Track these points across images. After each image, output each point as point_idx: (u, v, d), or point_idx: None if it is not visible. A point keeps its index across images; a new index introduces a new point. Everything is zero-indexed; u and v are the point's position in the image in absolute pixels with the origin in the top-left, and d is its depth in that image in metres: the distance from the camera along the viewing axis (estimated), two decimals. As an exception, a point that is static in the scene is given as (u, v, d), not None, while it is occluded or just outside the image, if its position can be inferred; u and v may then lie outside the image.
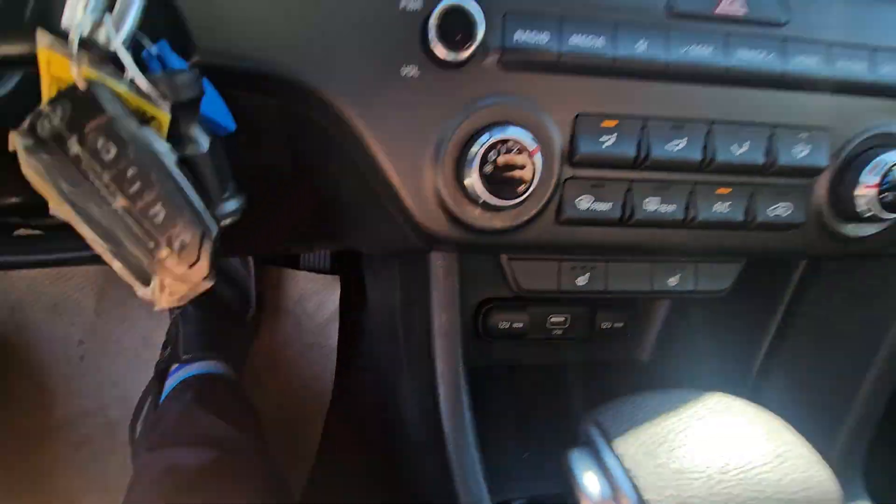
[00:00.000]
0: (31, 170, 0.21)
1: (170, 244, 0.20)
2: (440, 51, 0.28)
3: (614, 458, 0.23)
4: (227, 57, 0.28)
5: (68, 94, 0.20)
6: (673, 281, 0.46)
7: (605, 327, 0.59)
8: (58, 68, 0.20)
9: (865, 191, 0.35)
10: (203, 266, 0.22)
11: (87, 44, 0.19)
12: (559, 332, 0.58)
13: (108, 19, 0.19)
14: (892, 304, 0.41)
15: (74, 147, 0.20)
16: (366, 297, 0.87)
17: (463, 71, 0.30)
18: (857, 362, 0.43)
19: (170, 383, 0.79)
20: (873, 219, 0.36)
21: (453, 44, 0.28)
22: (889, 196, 0.35)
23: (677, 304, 0.59)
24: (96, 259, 0.25)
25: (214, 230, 0.22)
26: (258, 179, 0.39)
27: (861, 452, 0.44)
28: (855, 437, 0.43)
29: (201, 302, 0.90)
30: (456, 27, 0.28)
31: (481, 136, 0.30)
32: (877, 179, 0.35)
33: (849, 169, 0.36)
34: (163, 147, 0.20)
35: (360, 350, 0.99)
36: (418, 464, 0.50)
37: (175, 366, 0.82)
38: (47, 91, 0.20)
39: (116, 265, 0.23)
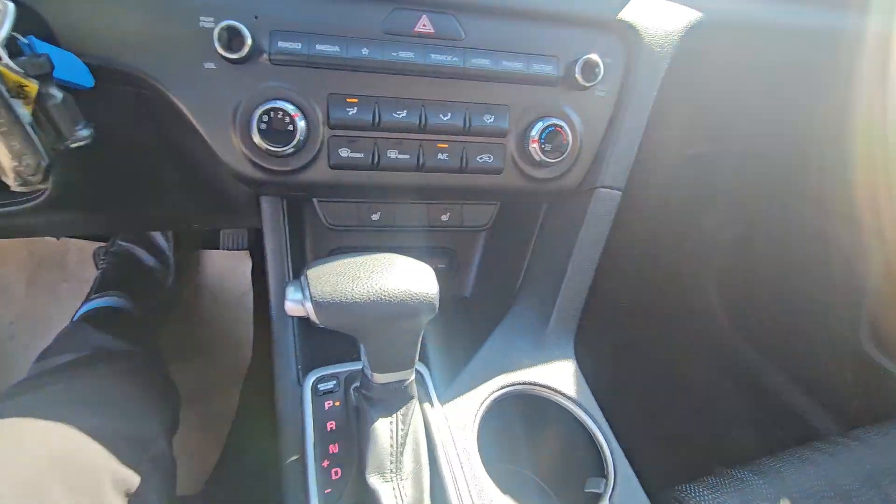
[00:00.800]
0: None
1: (19, 164, 0.37)
2: (223, 52, 0.45)
3: (305, 279, 0.40)
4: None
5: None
6: (444, 217, 0.64)
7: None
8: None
9: (534, 144, 0.55)
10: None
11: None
12: None
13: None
14: (577, 223, 0.61)
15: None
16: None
17: (246, 66, 0.47)
18: (561, 265, 0.62)
19: (75, 315, 0.92)
20: (543, 163, 0.55)
21: (231, 48, 0.45)
22: (547, 147, 0.54)
23: (485, 254, 0.78)
24: None
25: (47, 162, 0.39)
26: (135, 153, 0.55)
27: (569, 323, 0.63)
28: (563, 311, 0.63)
29: (118, 259, 1.04)
30: (233, 37, 0.45)
31: (260, 106, 0.47)
32: (537, 136, 0.54)
33: (525, 132, 0.55)
34: (21, 110, 0.36)
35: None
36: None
37: (84, 303, 0.95)
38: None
39: None
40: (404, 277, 0.41)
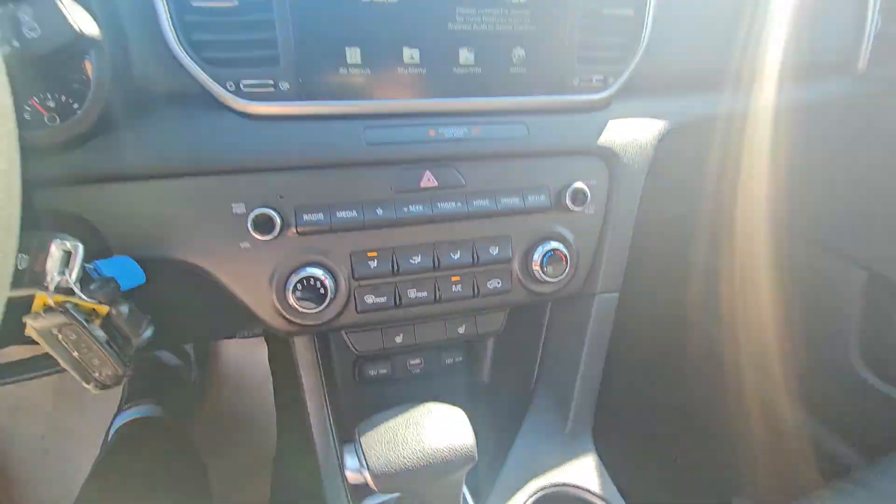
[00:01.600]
0: (35, 337, 0.42)
1: (99, 375, 0.42)
2: (257, 235, 0.51)
3: (360, 447, 0.45)
4: (134, 252, 0.50)
5: (50, 310, 0.41)
6: (461, 329, 0.70)
7: (449, 362, 0.82)
8: (43, 299, 0.41)
9: (536, 267, 0.61)
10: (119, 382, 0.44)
11: (59, 286, 0.40)
12: (417, 370, 0.81)
13: (72, 272, 0.40)
14: (583, 326, 0.67)
15: (56, 332, 0.41)
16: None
17: (277, 241, 0.53)
18: (574, 363, 0.68)
19: (112, 431, 0.97)
20: (545, 281, 0.61)
21: (264, 230, 0.51)
22: (548, 269, 0.60)
23: (498, 345, 0.83)
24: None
25: (123, 370, 0.44)
26: (178, 300, 0.61)
27: (586, 420, 0.68)
28: (579, 409, 0.68)
29: (144, 364, 1.09)
30: (264, 221, 0.51)
31: (294, 273, 0.53)
32: (538, 260, 0.60)
33: (527, 255, 0.61)
34: (98, 332, 0.42)
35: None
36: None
37: (117, 415, 1.00)
38: (37, 306, 0.41)
39: (74, 374, 0.44)
40: (445, 433, 0.46)
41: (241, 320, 0.66)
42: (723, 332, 1.26)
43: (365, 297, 0.57)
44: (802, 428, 1.10)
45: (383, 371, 0.78)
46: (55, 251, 0.40)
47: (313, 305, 0.53)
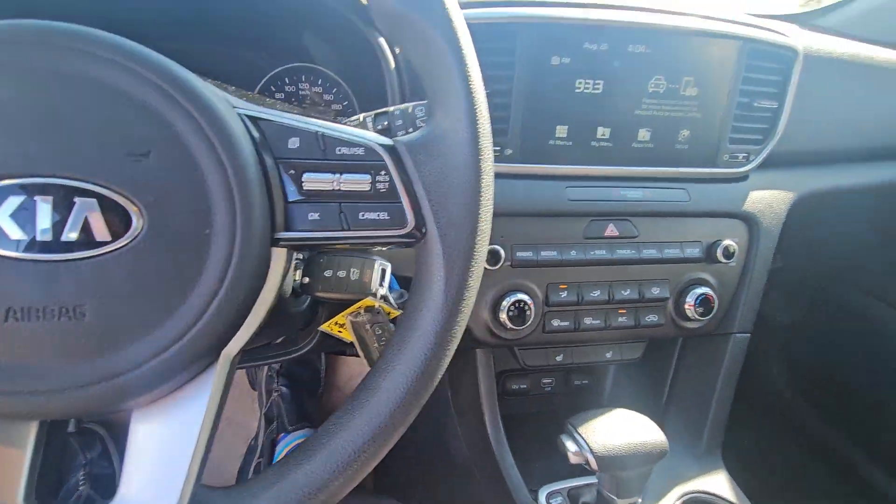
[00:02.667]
0: (349, 330, 0.56)
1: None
2: (486, 266, 0.65)
3: (579, 434, 0.57)
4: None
5: (368, 310, 0.55)
6: (609, 354, 0.82)
7: (577, 384, 0.94)
8: (363, 302, 0.55)
9: (689, 308, 0.73)
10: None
11: (375, 294, 0.55)
12: (549, 388, 0.93)
13: (385, 285, 0.55)
14: (719, 361, 0.78)
15: (368, 327, 0.55)
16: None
17: (496, 271, 0.67)
18: (709, 391, 0.79)
19: (280, 448, 1.09)
20: (695, 319, 0.74)
21: (491, 261, 0.65)
22: (700, 309, 0.73)
23: (617, 371, 0.95)
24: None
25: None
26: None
27: (718, 439, 0.79)
28: (712, 429, 0.79)
29: (293, 386, 1.22)
30: (493, 253, 0.65)
31: (505, 297, 0.67)
32: (692, 301, 0.73)
33: (681, 296, 0.74)
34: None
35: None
36: (470, 475, 0.82)
37: (282, 434, 1.12)
38: (357, 307, 0.56)
39: (364, 358, 0.58)
40: (646, 430, 0.58)
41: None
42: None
43: (552, 321, 0.71)
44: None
45: (523, 386, 0.91)
46: (377, 268, 0.54)
47: (519, 325, 0.67)
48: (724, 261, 0.73)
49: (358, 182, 0.34)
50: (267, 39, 0.73)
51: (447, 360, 0.37)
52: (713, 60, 0.69)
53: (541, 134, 0.68)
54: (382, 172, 0.35)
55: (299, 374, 1.26)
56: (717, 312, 0.75)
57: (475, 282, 0.37)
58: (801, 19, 1.34)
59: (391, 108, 0.48)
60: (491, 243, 0.66)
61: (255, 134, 0.33)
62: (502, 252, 0.66)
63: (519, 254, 0.68)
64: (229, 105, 0.33)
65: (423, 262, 0.37)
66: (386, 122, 0.51)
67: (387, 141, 0.37)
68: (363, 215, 0.35)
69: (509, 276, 0.68)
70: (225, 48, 0.72)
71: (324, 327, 0.61)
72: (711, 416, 0.79)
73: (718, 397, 0.79)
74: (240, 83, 0.39)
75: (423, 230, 0.36)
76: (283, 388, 1.21)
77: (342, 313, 0.57)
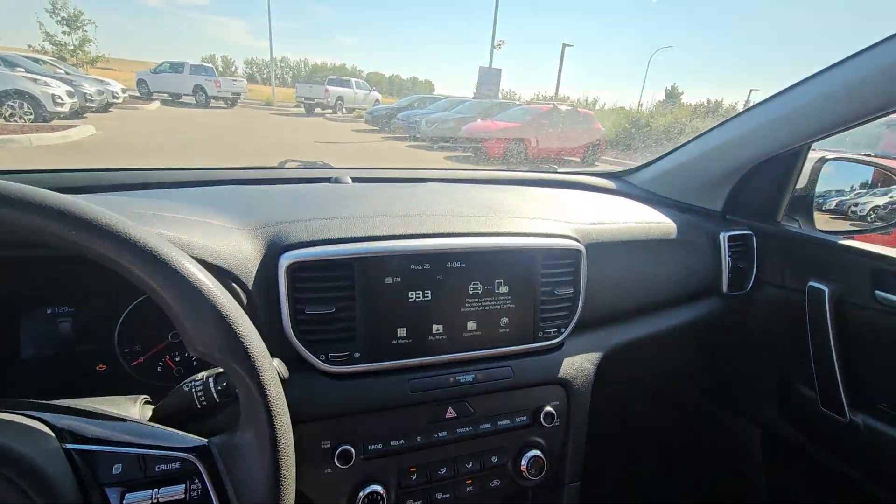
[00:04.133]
0: None
1: None
2: (339, 465, 0.74)
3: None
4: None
5: None
6: None
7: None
8: None
9: (524, 470, 0.86)
10: None
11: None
12: None
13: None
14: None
15: None
16: None
17: (349, 469, 0.76)
18: None
19: None
20: (529, 479, 0.87)
21: (344, 461, 0.74)
22: (532, 470, 0.86)
23: None
24: None
25: None
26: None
27: None
28: None
29: None
30: (345, 454, 0.75)
31: (360, 489, 0.76)
32: (526, 465, 0.86)
33: (516, 461, 0.87)
34: None
35: None
36: None
37: None
38: None
39: None
40: None
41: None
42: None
43: (406, 502, 0.79)
44: None
45: None
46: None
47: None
48: (547, 424, 0.88)
49: (174, 494, 0.43)
50: None
51: None
52: (517, 266, 0.89)
53: (384, 336, 0.81)
54: (196, 481, 0.44)
55: None
56: (549, 470, 0.89)
57: None
58: (619, 176, 1.70)
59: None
60: (341, 443, 0.75)
61: (84, 469, 0.41)
62: (353, 450, 0.75)
63: (370, 447, 0.77)
64: (57, 447, 0.41)
65: None
66: (225, 383, 0.61)
67: (201, 441, 0.46)
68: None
69: (363, 470, 0.77)
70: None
71: None
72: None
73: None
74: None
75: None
76: None
77: None
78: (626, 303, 1.06)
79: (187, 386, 0.60)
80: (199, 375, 0.61)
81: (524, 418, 0.88)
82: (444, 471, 0.81)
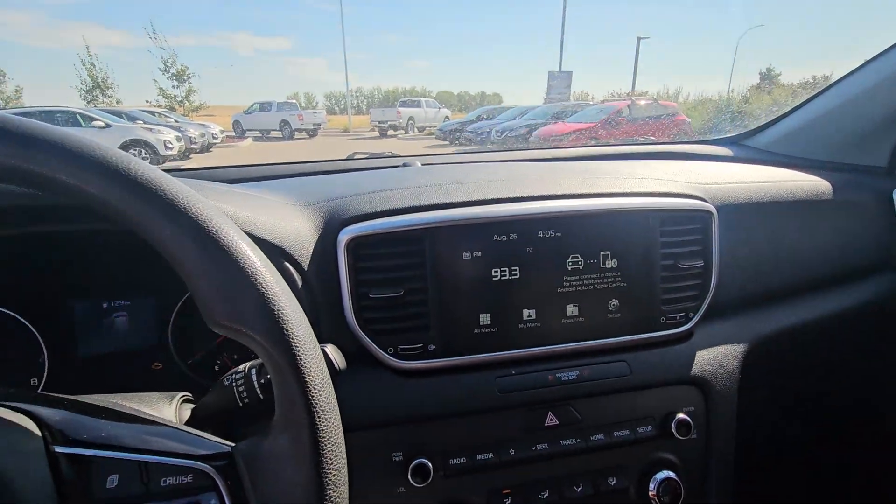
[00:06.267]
0: None
1: None
2: (414, 482, 0.59)
3: None
4: None
5: None
6: None
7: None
8: None
9: (652, 496, 0.65)
10: None
11: None
12: None
13: None
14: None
15: None
16: None
17: (426, 487, 0.61)
18: None
19: None
20: (665, 510, 0.66)
21: (420, 478, 0.60)
22: (666, 498, 0.65)
23: None
24: None
25: None
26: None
27: None
28: None
29: None
30: (421, 468, 0.60)
31: None
32: (655, 489, 0.65)
33: (641, 484, 0.66)
34: None
35: None
36: None
37: None
38: None
39: None
40: None
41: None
42: None
43: (501, 533, 0.63)
44: None
45: None
46: None
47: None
48: (681, 436, 0.67)
49: (183, 518, 0.31)
50: None
51: None
52: (628, 233, 0.70)
53: (463, 325, 0.66)
54: (213, 499, 0.32)
55: None
56: (687, 497, 0.67)
57: None
58: (735, 140, 1.42)
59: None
60: (416, 456, 0.61)
61: (70, 479, 0.30)
62: (430, 465, 0.60)
63: (452, 461, 0.62)
64: (40, 449, 0.31)
65: None
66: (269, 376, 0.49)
67: (223, 448, 0.34)
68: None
69: (444, 489, 0.62)
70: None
71: None
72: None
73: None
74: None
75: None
76: None
77: None
78: (771, 281, 0.82)
79: (227, 380, 0.50)
80: (241, 367, 0.50)
81: (649, 428, 0.68)
82: (546, 494, 0.64)
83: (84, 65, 16.43)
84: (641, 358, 0.70)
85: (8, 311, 0.65)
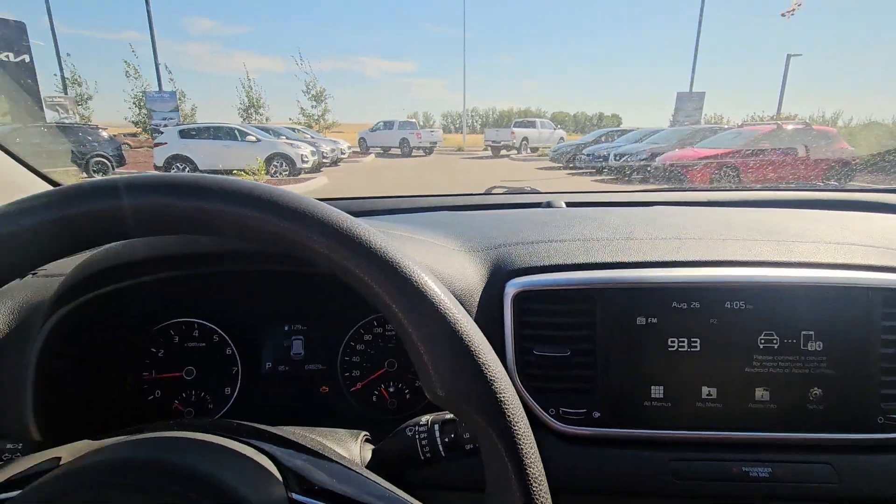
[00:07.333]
0: None
1: None
2: None
3: None
4: None
5: None
6: None
7: None
8: None
9: None
10: None
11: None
12: None
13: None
14: None
15: None
16: None
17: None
18: None
19: None
20: None
21: None
22: None
23: None
24: None
25: None
26: None
27: None
28: None
29: None
30: None
31: None
32: None
33: None
34: None
35: None
36: None
37: None
38: None
39: None
40: None
41: None
42: None
43: None
44: None
45: None
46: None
47: None
48: None
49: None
50: None
51: None
52: (838, 312, 0.60)
53: (633, 394, 0.61)
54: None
55: None
56: None
57: None
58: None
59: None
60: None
61: None
62: None
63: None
64: (283, 497, 0.34)
65: None
66: (453, 434, 0.49)
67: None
68: None
69: None
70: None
71: None
72: None
73: None
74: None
75: None
76: None
77: None
78: None
79: (410, 430, 0.51)
80: (424, 419, 0.52)
81: None
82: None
83: (243, 87, 19.21)
84: (850, 463, 0.59)
85: (215, 327, 0.75)
